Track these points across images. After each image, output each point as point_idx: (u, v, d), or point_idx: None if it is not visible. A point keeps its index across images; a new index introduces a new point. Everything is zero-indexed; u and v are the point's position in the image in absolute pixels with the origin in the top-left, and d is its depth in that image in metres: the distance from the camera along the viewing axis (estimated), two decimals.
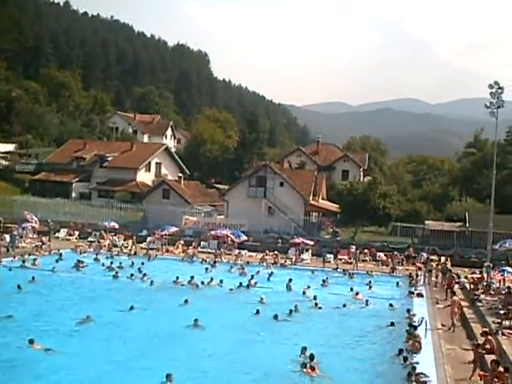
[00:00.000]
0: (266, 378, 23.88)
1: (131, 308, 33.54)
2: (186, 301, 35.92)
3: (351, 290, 42.40)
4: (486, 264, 48.74)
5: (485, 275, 44.71)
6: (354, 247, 58.41)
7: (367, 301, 39.06)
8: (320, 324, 33.77)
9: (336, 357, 27.31)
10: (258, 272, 47.88)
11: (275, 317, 33.30)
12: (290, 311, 34.75)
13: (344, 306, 37.94)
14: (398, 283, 47.11)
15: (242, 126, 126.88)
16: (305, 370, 23.86)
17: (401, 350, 26.91)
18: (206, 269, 48.68)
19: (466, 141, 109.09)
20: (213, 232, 61.72)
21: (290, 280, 43.29)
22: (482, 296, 38.56)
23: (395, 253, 57.89)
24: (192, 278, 42.59)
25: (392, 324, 32.91)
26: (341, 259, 57.08)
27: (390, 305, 38.54)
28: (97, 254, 52.61)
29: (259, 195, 69.87)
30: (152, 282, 42.15)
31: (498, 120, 53.71)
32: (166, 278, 43.74)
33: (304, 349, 25.81)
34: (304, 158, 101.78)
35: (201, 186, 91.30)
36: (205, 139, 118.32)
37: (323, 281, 45.80)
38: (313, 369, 23.83)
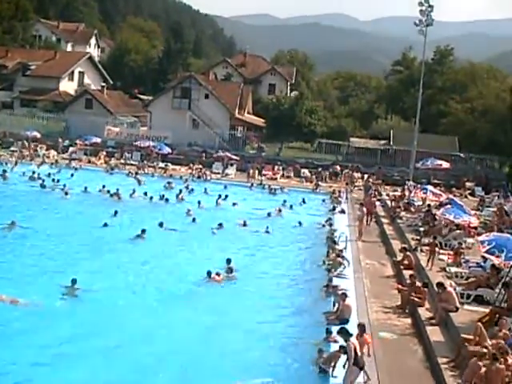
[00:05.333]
0: (182, 285, 24.44)
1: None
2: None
3: (291, 207, 42.90)
4: (408, 182, 49.62)
5: (406, 193, 45.38)
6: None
7: (300, 222, 38.37)
8: (246, 237, 34.17)
9: (259, 265, 28.49)
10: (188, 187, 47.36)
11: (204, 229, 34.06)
12: (220, 224, 34.83)
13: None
14: (324, 200, 47.30)
15: (167, 36, 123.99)
16: (210, 277, 24.64)
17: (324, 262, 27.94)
18: (139, 181, 48.10)
19: (393, 59, 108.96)
20: (136, 143, 60.86)
21: (220, 196, 43.16)
22: (403, 213, 39.22)
23: (319, 169, 58.29)
24: (117, 189, 42.05)
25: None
26: (265, 175, 56.88)
27: (327, 220, 37.98)
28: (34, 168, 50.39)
29: (183, 107, 69.01)
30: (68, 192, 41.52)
31: (427, 39, 53.96)
32: (88, 189, 43.07)
33: (228, 260, 26.30)
34: (230, 70, 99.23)
35: (124, 96, 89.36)
36: (129, 49, 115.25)
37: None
38: (218, 275, 24.76)
